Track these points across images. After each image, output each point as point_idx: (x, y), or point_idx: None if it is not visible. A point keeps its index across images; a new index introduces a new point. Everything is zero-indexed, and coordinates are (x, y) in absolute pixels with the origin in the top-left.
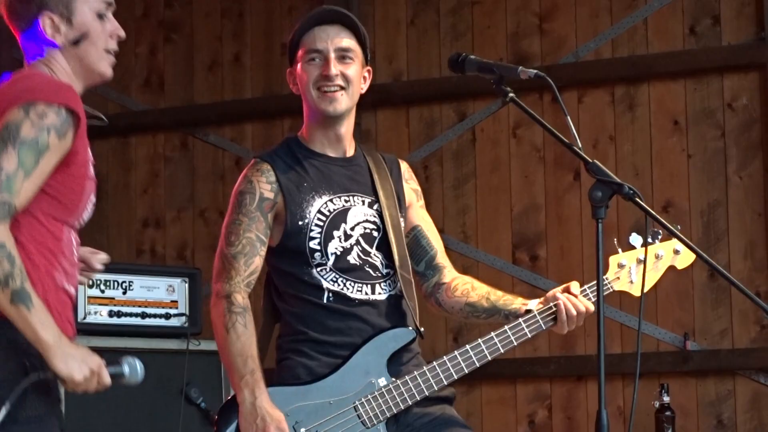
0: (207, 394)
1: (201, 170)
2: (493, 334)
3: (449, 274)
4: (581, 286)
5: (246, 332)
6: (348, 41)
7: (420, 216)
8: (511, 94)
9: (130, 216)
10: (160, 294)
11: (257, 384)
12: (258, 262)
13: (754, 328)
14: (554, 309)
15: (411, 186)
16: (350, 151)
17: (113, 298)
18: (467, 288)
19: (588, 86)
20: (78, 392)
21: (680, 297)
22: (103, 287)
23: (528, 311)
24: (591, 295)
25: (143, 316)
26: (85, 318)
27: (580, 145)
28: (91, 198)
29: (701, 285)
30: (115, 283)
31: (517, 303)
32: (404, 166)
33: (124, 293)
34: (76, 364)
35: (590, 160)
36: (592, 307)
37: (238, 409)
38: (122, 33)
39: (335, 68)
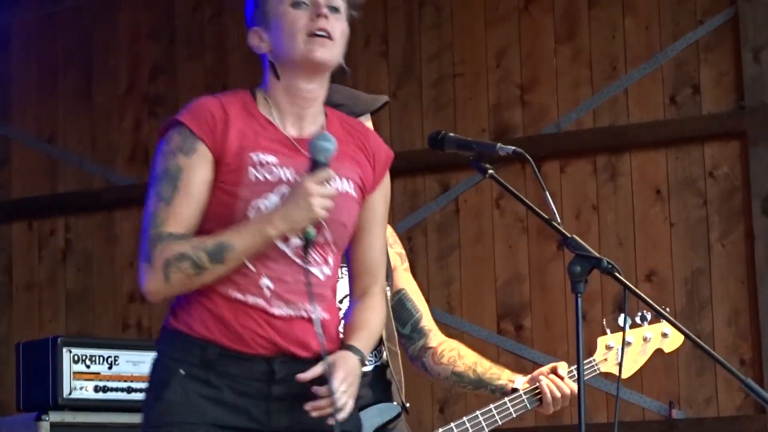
0: None
1: None
2: (478, 412)
3: (435, 337)
4: (568, 358)
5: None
6: None
7: (404, 279)
8: (490, 171)
9: (116, 290)
10: (146, 368)
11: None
12: None
13: (739, 395)
14: (539, 389)
15: (395, 250)
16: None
17: (99, 373)
18: (454, 355)
19: (570, 156)
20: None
21: (665, 365)
22: (88, 362)
23: (514, 389)
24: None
25: (129, 390)
26: (71, 393)
27: (559, 220)
28: (264, 201)
29: (686, 353)
30: (101, 358)
31: (503, 378)
32: (388, 231)
33: (110, 368)
34: (299, 209)
35: (568, 235)
36: (575, 390)
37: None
38: (323, 11)
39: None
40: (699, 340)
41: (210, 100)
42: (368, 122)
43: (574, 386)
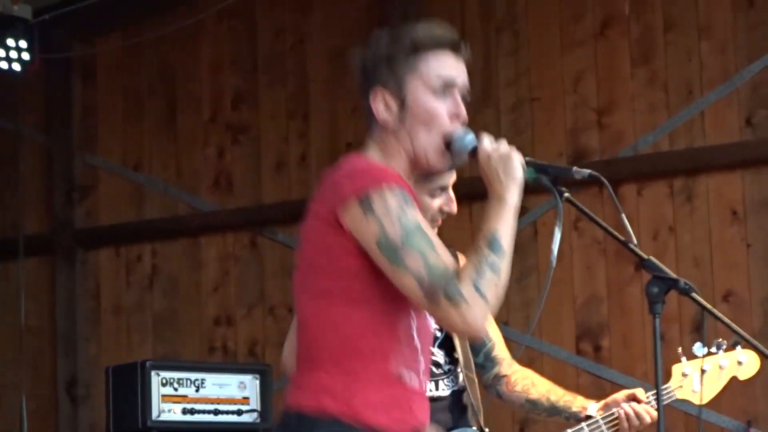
0: None
1: (270, 268)
2: None
3: (508, 366)
4: (646, 378)
5: None
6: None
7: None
8: (566, 194)
9: (202, 314)
10: (232, 391)
11: None
12: None
13: None
14: (616, 416)
15: None
16: None
17: (186, 396)
18: (528, 384)
19: (647, 179)
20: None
21: (743, 383)
22: (176, 385)
23: (588, 416)
24: (654, 403)
25: (216, 413)
26: (159, 416)
27: (635, 242)
28: None
29: (764, 370)
30: (188, 381)
31: (576, 405)
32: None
33: (197, 391)
34: (509, 165)
35: (645, 257)
36: (655, 416)
37: None
38: (463, 113)
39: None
40: None
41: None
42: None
43: (653, 412)
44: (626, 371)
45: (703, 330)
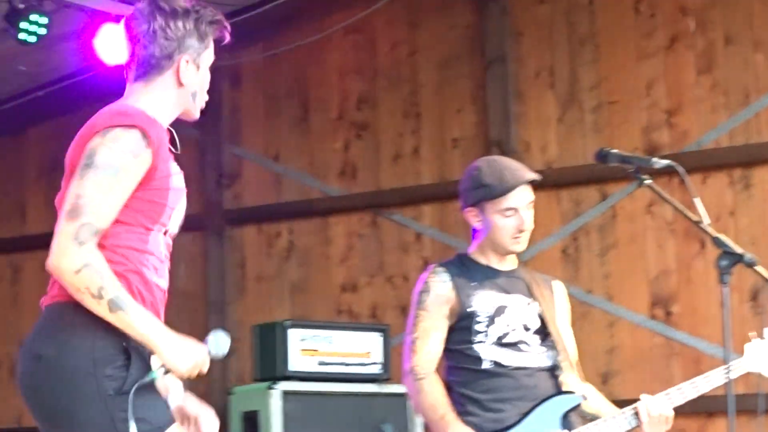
0: (397, 430)
1: (388, 243)
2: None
3: (573, 382)
4: (711, 343)
5: (431, 389)
6: (531, 195)
7: (565, 327)
8: (647, 181)
9: (331, 282)
10: (357, 346)
11: (450, 424)
12: (433, 344)
13: None
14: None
15: (564, 303)
16: (513, 266)
17: (318, 350)
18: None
19: (709, 170)
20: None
21: None
22: (310, 341)
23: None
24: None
25: (345, 365)
26: (297, 367)
27: (707, 222)
28: (178, 206)
29: None
30: (320, 338)
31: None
32: (559, 285)
33: (329, 346)
34: (183, 355)
35: (716, 235)
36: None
37: None
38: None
39: (528, 223)
40: None
41: None
42: (526, 193)
43: (670, 411)
44: (693, 333)
45: (762, 297)
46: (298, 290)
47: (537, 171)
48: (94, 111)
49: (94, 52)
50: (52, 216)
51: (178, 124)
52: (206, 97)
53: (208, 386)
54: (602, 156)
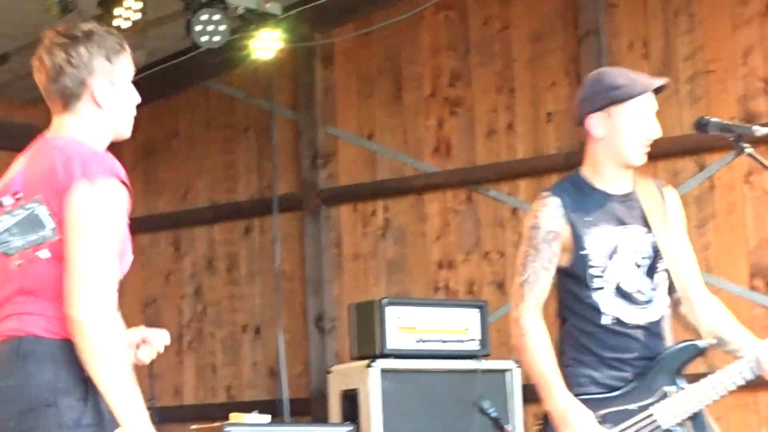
0: (496, 405)
1: (484, 219)
2: (714, 375)
3: (698, 294)
4: None
5: (537, 347)
6: (656, 104)
7: (680, 238)
8: (748, 150)
9: (427, 259)
10: (455, 323)
11: (556, 391)
12: (543, 285)
13: None
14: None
15: (677, 213)
16: (628, 188)
17: (416, 327)
18: (712, 315)
19: None
20: None
21: None
22: (408, 318)
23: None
24: None
25: (442, 341)
26: (395, 344)
27: None
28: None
29: None
30: (418, 315)
31: (738, 343)
32: (671, 192)
33: (426, 323)
34: None
35: None
36: None
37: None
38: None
39: (657, 131)
40: None
41: None
42: (652, 100)
43: None
44: None
45: None
46: (395, 268)
47: None
48: (189, 95)
49: (188, 37)
50: (149, 200)
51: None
52: (134, 112)
53: (306, 366)
54: (702, 125)
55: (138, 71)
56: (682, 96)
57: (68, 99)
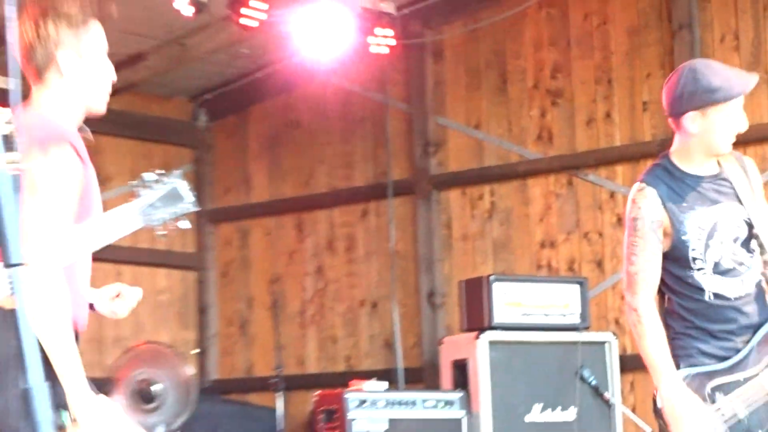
0: (596, 375)
1: (583, 202)
2: None
3: None
4: None
5: (653, 334)
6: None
7: (762, 203)
8: None
9: (530, 239)
10: (557, 298)
11: (667, 380)
12: (654, 273)
13: None
14: None
15: (758, 180)
16: (716, 169)
17: (521, 302)
18: None
19: None
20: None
21: None
22: (514, 294)
23: None
24: None
25: (545, 315)
26: (502, 318)
27: None
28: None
29: None
30: (523, 291)
31: None
32: (750, 161)
33: (531, 298)
34: (94, 418)
35: None
36: None
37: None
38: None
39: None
40: None
41: None
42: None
43: None
44: None
45: None
46: (500, 247)
47: None
48: (308, 91)
49: (303, 36)
50: (274, 186)
51: (384, 99)
52: (107, 87)
53: (419, 338)
54: None
55: (260, 68)
56: None
57: (39, 71)
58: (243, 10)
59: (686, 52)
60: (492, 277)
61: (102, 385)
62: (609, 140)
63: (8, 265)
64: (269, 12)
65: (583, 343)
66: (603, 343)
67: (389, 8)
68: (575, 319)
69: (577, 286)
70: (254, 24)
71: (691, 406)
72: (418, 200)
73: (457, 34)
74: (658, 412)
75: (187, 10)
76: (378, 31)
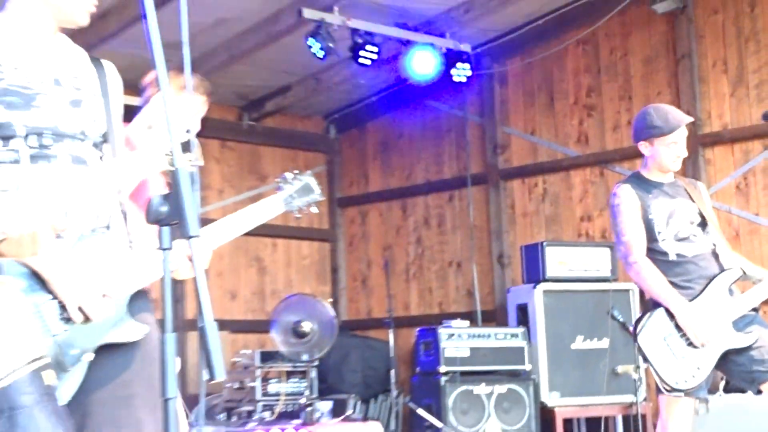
0: (623, 314)
1: (612, 187)
2: None
3: (723, 250)
4: None
5: (652, 272)
6: (686, 131)
7: (712, 216)
8: None
9: (573, 215)
10: (593, 258)
11: (676, 302)
12: (641, 237)
13: None
14: None
15: (707, 198)
16: (672, 179)
17: (567, 262)
18: (735, 262)
19: None
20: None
21: None
22: (563, 255)
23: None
24: None
25: (585, 270)
26: (553, 272)
27: None
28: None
29: None
30: (569, 253)
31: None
32: (702, 185)
33: (574, 258)
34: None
35: None
36: None
37: (670, 313)
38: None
39: (684, 152)
40: None
41: None
42: (683, 131)
43: None
44: None
45: None
46: (551, 221)
47: (715, 132)
48: (409, 110)
49: (404, 70)
50: (385, 180)
51: (464, 114)
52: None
53: (492, 288)
54: (766, 116)
55: (374, 94)
56: (752, 98)
57: None
58: (360, 53)
59: (687, 75)
60: (545, 243)
61: (264, 325)
62: (630, 141)
63: (187, 237)
64: (379, 53)
65: (613, 290)
66: (627, 290)
67: (466, 48)
68: (607, 273)
69: (608, 249)
70: (368, 62)
71: (700, 315)
72: (490, 188)
73: (516, 66)
74: (637, 347)
75: (320, 54)
76: (459, 65)
